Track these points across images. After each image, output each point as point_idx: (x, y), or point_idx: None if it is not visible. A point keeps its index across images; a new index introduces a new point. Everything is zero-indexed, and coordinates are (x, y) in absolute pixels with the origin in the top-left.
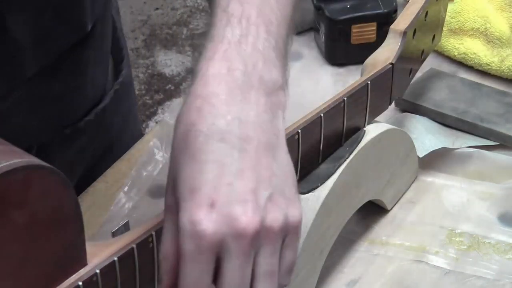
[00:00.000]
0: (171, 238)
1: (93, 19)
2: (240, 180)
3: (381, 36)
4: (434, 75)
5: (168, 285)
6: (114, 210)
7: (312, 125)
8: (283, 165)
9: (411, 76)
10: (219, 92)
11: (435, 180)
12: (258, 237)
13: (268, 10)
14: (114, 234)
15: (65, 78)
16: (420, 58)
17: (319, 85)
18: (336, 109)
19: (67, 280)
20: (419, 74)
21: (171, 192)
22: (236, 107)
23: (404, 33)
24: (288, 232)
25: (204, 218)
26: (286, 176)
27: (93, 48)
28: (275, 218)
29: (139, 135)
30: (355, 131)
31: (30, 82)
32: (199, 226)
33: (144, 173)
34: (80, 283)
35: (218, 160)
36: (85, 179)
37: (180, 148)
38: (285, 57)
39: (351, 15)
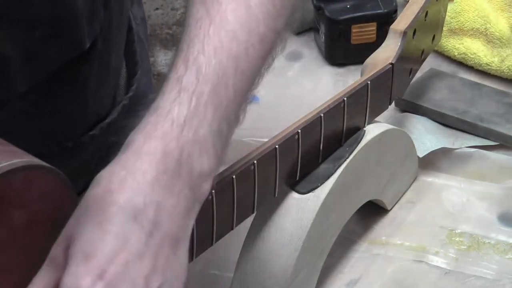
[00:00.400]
0: (45, 285)
1: (92, 36)
2: (137, 262)
3: (381, 36)
4: (434, 75)
5: None
6: None
7: (312, 125)
8: (180, 261)
9: (411, 76)
10: (147, 171)
11: (435, 180)
12: None
13: (223, 84)
14: None
15: (62, 94)
16: (420, 58)
17: (319, 85)
18: (336, 109)
19: None
20: (419, 74)
21: (63, 246)
22: (158, 192)
23: (404, 33)
24: None
25: (91, 282)
26: (179, 273)
27: (94, 64)
28: None
29: None
30: (355, 131)
31: (24, 97)
32: (83, 286)
33: None
34: None
35: (124, 236)
36: None
37: (89, 211)
38: (225, 142)
39: (351, 15)
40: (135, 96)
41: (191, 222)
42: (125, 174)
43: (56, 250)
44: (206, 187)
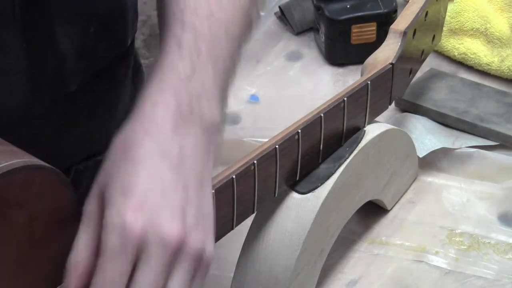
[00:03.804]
0: (88, 242)
1: (132, 34)
2: (172, 193)
3: (381, 36)
4: (434, 75)
5: None
6: None
7: (312, 125)
8: (208, 200)
9: (411, 76)
10: (166, 120)
11: (435, 180)
12: (179, 251)
13: (217, 44)
14: None
15: (102, 95)
16: (420, 58)
17: (319, 85)
18: (336, 109)
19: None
20: (419, 74)
21: (96, 199)
22: (178, 136)
23: (404, 33)
24: (201, 265)
25: (134, 214)
26: (209, 210)
27: (128, 65)
28: (197, 239)
29: None
30: (355, 131)
31: (70, 97)
32: (128, 219)
33: None
34: None
35: (156, 171)
36: None
37: (117, 158)
38: (226, 94)
39: (351, 15)
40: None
41: (211, 165)
42: (147, 125)
43: (90, 205)
44: (218, 134)
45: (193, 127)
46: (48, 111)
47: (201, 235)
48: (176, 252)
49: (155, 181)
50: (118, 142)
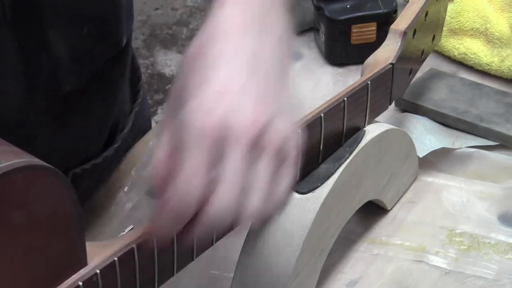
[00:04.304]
0: (170, 140)
1: (127, 34)
2: (253, 85)
3: (381, 36)
4: (434, 75)
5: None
6: (114, 210)
7: (312, 125)
8: (290, 94)
9: (411, 76)
10: (238, 24)
11: (435, 180)
12: (261, 142)
13: None
14: None
15: (97, 95)
16: (420, 58)
17: (319, 85)
18: (336, 109)
19: (67, 280)
20: (419, 74)
21: (173, 104)
22: (252, 39)
23: (404, 33)
24: (286, 158)
25: (214, 102)
26: (290, 105)
27: (124, 65)
28: (279, 131)
29: None
30: (355, 131)
31: (65, 99)
32: (208, 105)
33: (144, 173)
34: (80, 283)
35: (233, 66)
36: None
37: (193, 58)
38: (291, 4)
39: (351, 15)
40: (142, 102)
41: (289, 58)
42: (217, 29)
43: (168, 110)
44: (289, 45)
45: (266, 35)
46: (44, 112)
47: (286, 123)
48: (258, 143)
49: (233, 73)
50: (192, 48)
